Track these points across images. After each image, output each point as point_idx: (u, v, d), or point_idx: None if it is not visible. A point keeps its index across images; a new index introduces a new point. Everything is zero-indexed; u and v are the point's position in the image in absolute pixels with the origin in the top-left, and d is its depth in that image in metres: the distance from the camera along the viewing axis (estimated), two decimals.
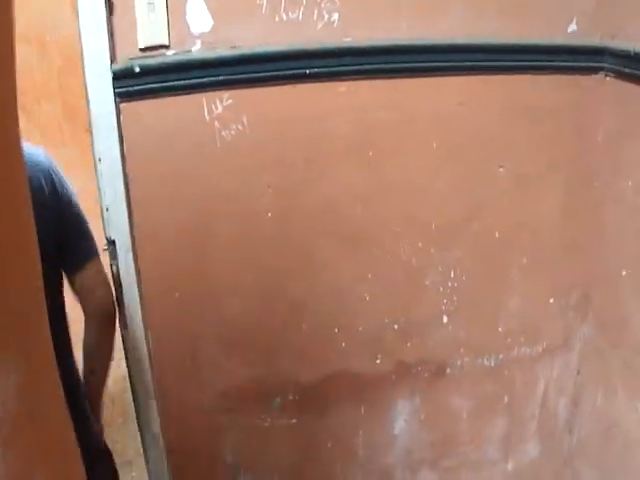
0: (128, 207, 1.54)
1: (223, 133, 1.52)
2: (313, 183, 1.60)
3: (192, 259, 1.64)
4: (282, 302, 1.72)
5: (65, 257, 1.45)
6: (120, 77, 1.42)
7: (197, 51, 1.43)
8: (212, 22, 1.41)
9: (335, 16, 1.42)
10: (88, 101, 1.45)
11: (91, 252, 1.50)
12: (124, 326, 1.67)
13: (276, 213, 1.62)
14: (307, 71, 1.45)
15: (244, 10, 1.40)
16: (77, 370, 1.54)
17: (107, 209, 1.54)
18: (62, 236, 1.42)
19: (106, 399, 1.69)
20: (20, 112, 0.61)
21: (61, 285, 1.49)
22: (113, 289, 1.56)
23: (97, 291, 1.52)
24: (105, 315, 1.54)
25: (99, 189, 1.53)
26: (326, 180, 1.60)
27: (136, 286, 1.62)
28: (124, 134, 1.48)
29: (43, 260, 0.68)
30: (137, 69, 1.41)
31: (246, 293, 1.69)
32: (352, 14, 1.45)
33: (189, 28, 1.41)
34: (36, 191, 1.34)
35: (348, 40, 1.46)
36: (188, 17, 1.40)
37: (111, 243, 1.58)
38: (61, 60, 2.37)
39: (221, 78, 1.45)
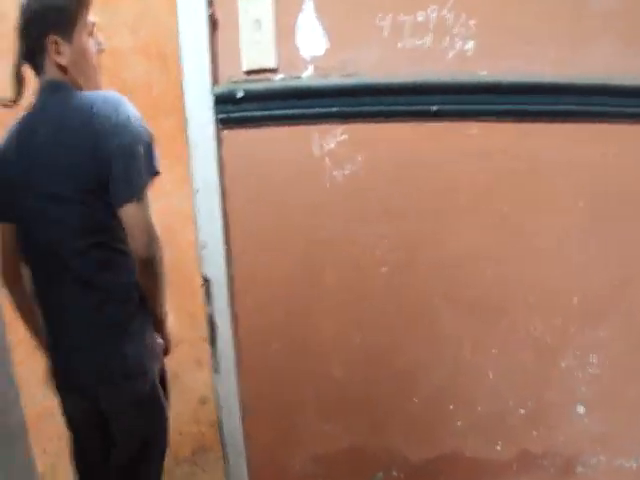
0: (226, 244, 1.41)
1: (334, 172, 1.34)
2: (435, 238, 1.37)
3: (293, 309, 1.47)
4: (391, 368, 1.51)
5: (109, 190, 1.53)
6: (222, 101, 1.30)
7: (308, 77, 1.27)
8: (326, 45, 1.24)
9: (469, 44, 1.19)
10: (186, 126, 1.33)
11: (129, 194, 1.51)
12: (215, 369, 1.54)
13: (390, 268, 1.40)
14: (433, 108, 1.23)
15: (363, 33, 1.22)
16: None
17: (204, 245, 1.42)
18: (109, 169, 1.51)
19: None
20: None
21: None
22: (154, 244, 1.51)
23: (132, 234, 1.53)
24: (138, 260, 1.54)
25: (195, 222, 1.41)
26: (450, 235, 1.36)
27: (230, 330, 1.48)
28: (224, 165, 1.35)
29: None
30: (240, 94, 1.28)
31: (351, 354, 1.50)
32: (490, 42, 1.21)
33: (299, 50, 1.25)
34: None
35: (484, 74, 1.22)
36: (299, 38, 1.24)
37: (206, 281, 1.46)
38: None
39: (334, 110, 1.27)
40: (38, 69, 1.75)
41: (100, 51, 1.80)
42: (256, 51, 1.25)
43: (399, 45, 1.20)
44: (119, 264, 1.61)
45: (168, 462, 1.84)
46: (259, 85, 1.28)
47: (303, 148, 1.32)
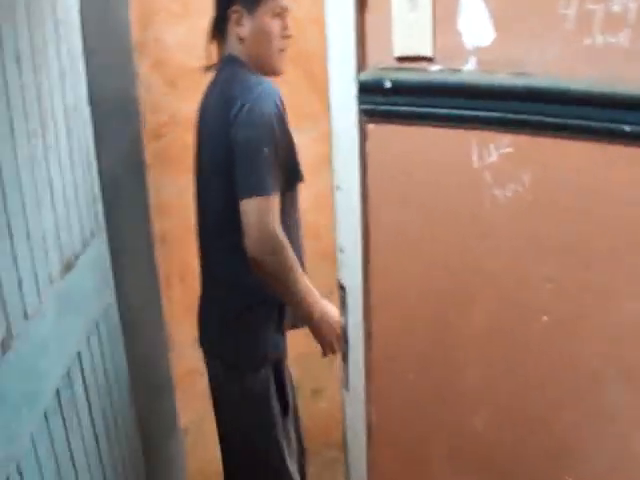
0: (365, 251, 1.25)
1: (495, 191, 1.08)
2: (616, 290, 1.05)
3: (435, 339, 1.26)
4: (542, 435, 1.22)
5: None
6: (367, 91, 1.12)
7: (470, 72, 1.02)
8: (493, 34, 0.97)
9: None
10: (330, 113, 1.18)
11: (245, 190, 1.56)
12: (345, 386, 1.41)
13: (554, 319, 1.11)
14: (626, 128, 0.91)
15: (540, 22, 0.92)
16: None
17: (341, 249, 1.27)
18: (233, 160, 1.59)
19: None
20: None
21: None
22: (271, 244, 1.57)
23: (246, 231, 1.56)
24: (251, 257, 1.59)
25: (335, 223, 1.27)
26: (637, 290, 1.03)
27: (362, 347, 1.33)
28: (368, 162, 1.17)
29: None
30: (388, 84, 1.08)
31: (497, 408, 1.24)
32: None
33: (461, 38, 1.00)
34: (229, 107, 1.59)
35: None
36: (461, 22, 0.99)
37: (342, 289, 1.31)
38: None
39: (499, 115, 1.01)
40: (222, 38, 1.76)
41: (286, 37, 1.76)
42: (410, 35, 1.04)
43: (586, 42, 0.89)
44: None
45: None
46: (411, 75, 1.07)
47: (459, 155, 1.09)
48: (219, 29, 1.80)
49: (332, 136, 1.19)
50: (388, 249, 1.23)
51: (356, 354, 1.33)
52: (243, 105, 1.61)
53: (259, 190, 1.55)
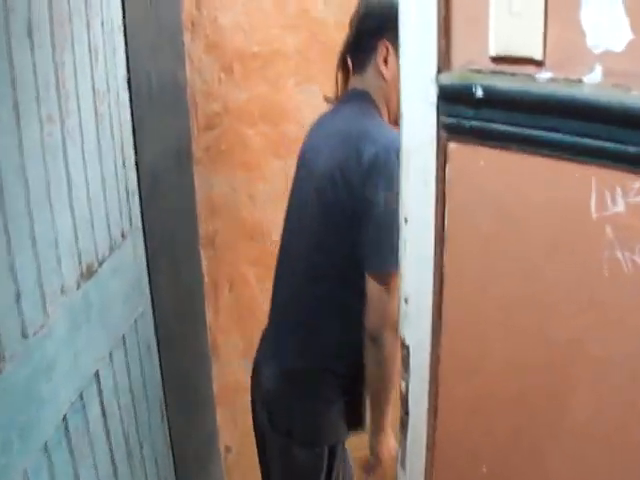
0: (436, 303, 0.95)
1: (618, 254, 0.76)
2: None
3: (518, 427, 0.94)
4: None
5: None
6: (450, 98, 0.82)
7: (594, 85, 0.70)
8: (629, 35, 0.66)
9: None
10: (401, 129, 0.89)
11: (369, 265, 1.40)
12: (401, 463, 1.12)
13: None
14: None
15: None
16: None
17: (406, 298, 0.98)
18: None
19: None
20: None
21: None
22: (384, 317, 1.39)
23: (368, 306, 1.40)
24: (368, 335, 1.42)
25: (399, 265, 0.98)
26: None
27: (425, 422, 1.03)
28: (446, 191, 0.88)
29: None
30: (479, 92, 0.78)
31: None
32: None
33: (585, 37, 0.69)
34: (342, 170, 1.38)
35: None
36: (585, 16, 0.68)
37: (404, 347, 1.02)
38: None
39: (634, 149, 0.69)
40: (357, 67, 1.52)
41: None
42: (513, 28, 0.74)
43: None
44: None
45: None
46: (512, 83, 0.76)
47: (572, 199, 0.76)
48: (355, 58, 1.53)
49: (402, 154, 0.90)
50: (466, 304, 0.92)
51: (417, 430, 1.04)
52: (360, 159, 1.36)
53: (377, 261, 1.37)
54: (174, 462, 2.04)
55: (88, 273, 1.49)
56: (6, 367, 1.16)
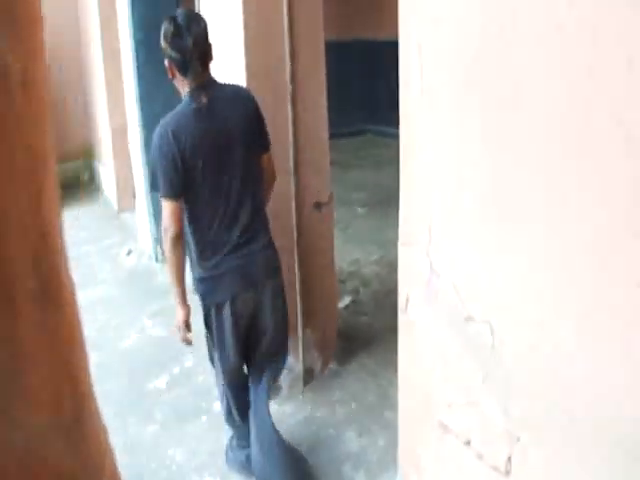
0: None
1: None
2: None
3: None
4: None
5: (257, 142, 2.58)
6: None
7: None
8: None
9: None
10: None
11: (267, 146, 2.63)
12: None
13: None
14: None
15: None
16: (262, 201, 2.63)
17: None
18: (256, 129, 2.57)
19: None
20: None
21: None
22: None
23: (267, 169, 2.65)
24: (269, 183, 2.71)
25: None
26: None
27: None
28: None
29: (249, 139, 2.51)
30: None
31: None
32: None
33: None
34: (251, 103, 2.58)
35: None
36: None
37: None
38: None
39: None
40: (205, 69, 2.45)
41: None
42: None
43: None
44: None
45: None
46: None
47: None
48: (204, 64, 2.47)
49: None
50: None
51: None
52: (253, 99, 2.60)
53: (268, 144, 2.68)
54: None
55: None
56: None
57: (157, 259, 5.43)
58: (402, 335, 1.96)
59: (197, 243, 2.49)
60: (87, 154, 8.13)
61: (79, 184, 8.04)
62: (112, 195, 7.12)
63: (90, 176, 8.22)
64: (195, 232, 2.48)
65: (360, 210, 6.36)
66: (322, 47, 3.24)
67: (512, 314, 1.47)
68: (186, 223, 2.46)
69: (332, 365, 3.57)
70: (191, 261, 2.56)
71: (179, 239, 2.39)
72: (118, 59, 5.87)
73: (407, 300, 1.91)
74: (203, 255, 2.49)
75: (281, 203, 2.94)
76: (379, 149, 8.85)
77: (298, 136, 3.18)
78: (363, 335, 3.92)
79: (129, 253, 5.76)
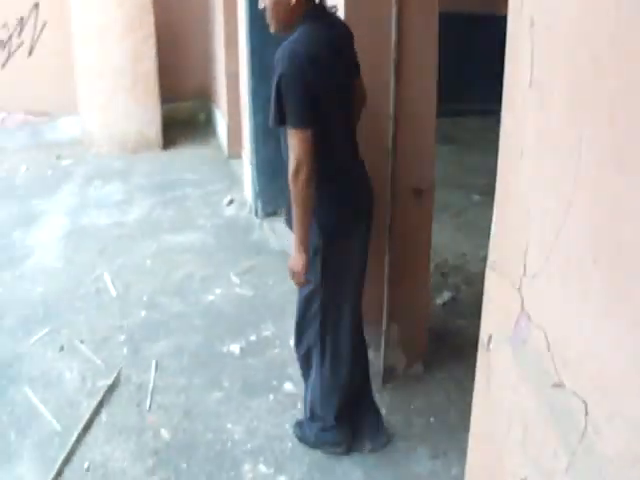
0: None
1: None
2: None
3: None
4: None
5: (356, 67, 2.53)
6: None
7: None
8: None
9: None
10: None
11: (359, 72, 2.53)
12: None
13: None
14: None
15: None
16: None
17: None
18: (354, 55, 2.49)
19: None
20: None
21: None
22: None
23: (360, 90, 2.56)
24: (361, 103, 2.59)
25: None
26: None
27: None
28: None
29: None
30: None
31: None
32: None
33: None
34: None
35: None
36: None
37: None
38: None
39: None
40: None
41: None
42: None
43: None
44: None
45: None
46: None
47: None
48: None
49: None
50: None
51: None
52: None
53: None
54: None
55: None
56: None
57: (257, 213, 5.25)
58: (480, 374, 1.65)
59: (323, 174, 2.32)
60: (206, 96, 8.06)
61: (196, 123, 8.01)
62: (224, 140, 7.02)
63: (207, 118, 8.16)
64: (321, 162, 2.29)
65: (476, 198, 5.88)
66: (436, 10, 2.82)
67: (616, 396, 1.09)
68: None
69: (417, 367, 3.24)
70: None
71: (313, 176, 2.24)
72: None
73: (490, 337, 1.58)
74: (330, 184, 2.36)
75: (375, 185, 2.60)
76: None
77: (400, 111, 2.82)
78: (457, 340, 3.55)
79: (230, 203, 5.62)
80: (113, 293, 4.13)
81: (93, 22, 6.83)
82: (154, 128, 7.13)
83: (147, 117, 7.08)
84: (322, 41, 2.28)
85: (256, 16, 4.90)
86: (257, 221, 5.21)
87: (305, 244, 2.31)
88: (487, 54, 7.98)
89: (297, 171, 2.21)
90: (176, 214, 5.44)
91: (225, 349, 3.51)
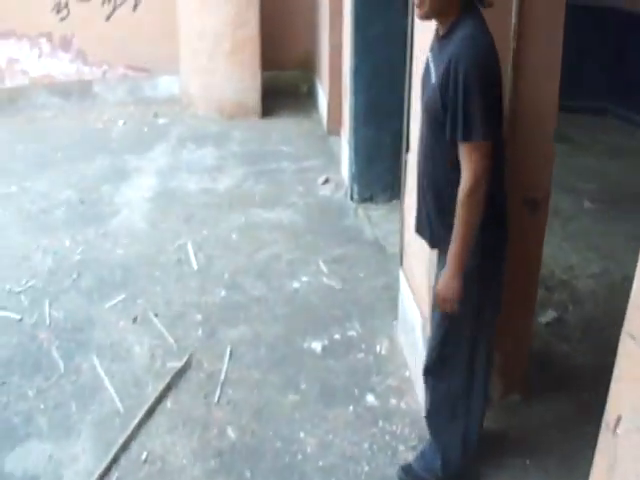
0: None
1: None
2: None
3: None
4: None
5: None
6: None
7: None
8: None
9: None
10: None
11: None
12: None
13: None
14: None
15: None
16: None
17: None
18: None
19: None
20: None
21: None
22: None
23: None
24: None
25: None
26: None
27: None
28: None
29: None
30: None
31: None
32: None
33: None
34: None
35: None
36: None
37: None
38: None
39: None
40: None
41: None
42: None
43: None
44: None
45: None
46: None
47: None
48: None
49: None
50: None
51: None
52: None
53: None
54: None
55: None
56: None
57: (352, 197, 4.91)
58: (600, 458, 1.38)
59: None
60: (309, 67, 7.73)
61: (297, 94, 7.71)
62: (324, 114, 6.69)
63: (309, 90, 7.84)
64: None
65: (588, 205, 5.30)
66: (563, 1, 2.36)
67: None
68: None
69: (514, 397, 2.81)
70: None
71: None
72: None
73: (618, 419, 1.30)
74: (492, 200, 2.05)
75: None
76: (620, 135, 7.42)
77: (518, 110, 2.39)
78: (560, 368, 3.09)
79: (325, 182, 5.30)
80: (195, 266, 3.90)
81: None
82: (254, 95, 6.87)
83: (247, 84, 6.82)
84: (492, 41, 1.97)
85: None
86: (352, 205, 4.86)
87: (464, 268, 2.03)
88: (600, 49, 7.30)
89: (474, 190, 1.92)
90: (268, 188, 5.16)
91: (306, 345, 3.21)
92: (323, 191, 5.17)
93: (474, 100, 1.86)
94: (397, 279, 3.61)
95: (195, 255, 4.03)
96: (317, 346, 3.20)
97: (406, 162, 3.12)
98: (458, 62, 1.86)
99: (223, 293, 3.64)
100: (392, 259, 4.06)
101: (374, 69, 4.65)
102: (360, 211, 4.78)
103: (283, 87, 7.54)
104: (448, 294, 2.05)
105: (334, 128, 6.33)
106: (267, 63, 6.94)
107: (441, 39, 2.01)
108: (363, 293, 3.68)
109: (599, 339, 3.28)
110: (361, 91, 4.71)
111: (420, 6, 1.96)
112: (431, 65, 2.05)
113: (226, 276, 3.80)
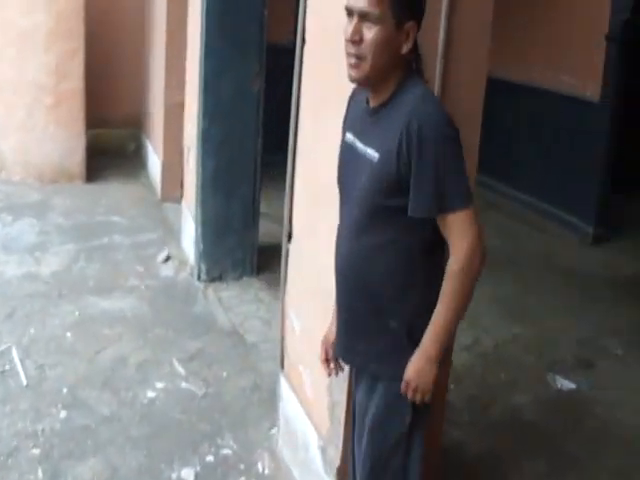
0: None
1: None
2: None
3: None
4: None
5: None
6: None
7: None
8: None
9: None
10: None
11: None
12: None
13: None
14: None
15: None
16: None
17: None
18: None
19: None
20: None
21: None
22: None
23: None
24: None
25: None
26: None
27: None
28: None
29: None
30: None
31: None
32: None
33: None
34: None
35: None
36: None
37: None
38: None
39: None
40: None
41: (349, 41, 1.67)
42: None
43: None
44: None
45: None
46: None
47: None
48: None
49: None
50: None
51: None
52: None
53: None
54: None
55: None
56: None
57: (199, 277, 4.49)
58: None
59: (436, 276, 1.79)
60: (136, 124, 7.21)
61: (124, 154, 7.14)
62: (156, 179, 6.20)
63: (136, 149, 7.30)
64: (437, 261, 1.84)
65: None
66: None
67: None
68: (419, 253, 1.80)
69: None
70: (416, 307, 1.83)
71: None
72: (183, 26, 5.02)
73: None
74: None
75: None
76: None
77: None
78: (463, 459, 2.92)
79: (167, 260, 4.82)
80: (24, 380, 3.24)
81: (13, 24, 5.88)
82: (77, 156, 6.20)
83: (71, 144, 6.15)
84: None
85: (213, 42, 4.24)
86: (200, 287, 4.44)
87: (443, 352, 1.79)
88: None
89: (471, 260, 1.71)
90: (102, 269, 4.57)
91: (175, 476, 2.73)
92: (165, 271, 4.68)
93: (454, 168, 1.66)
94: (265, 376, 3.28)
95: (22, 364, 3.37)
96: (189, 474, 2.73)
97: (287, 252, 2.81)
98: (425, 121, 1.63)
99: (63, 414, 3.02)
100: (254, 351, 3.72)
101: (225, 132, 4.33)
102: (210, 293, 4.38)
103: (108, 146, 6.94)
104: (421, 381, 1.75)
105: (168, 194, 5.89)
106: (91, 120, 6.33)
107: (377, 109, 1.74)
108: (230, 398, 3.27)
109: (487, 423, 3.21)
110: (210, 156, 4.36)
111: (357, 66, 1.66)
112: (358, 145, 1.77)
113: (65, 391, 3.19)
